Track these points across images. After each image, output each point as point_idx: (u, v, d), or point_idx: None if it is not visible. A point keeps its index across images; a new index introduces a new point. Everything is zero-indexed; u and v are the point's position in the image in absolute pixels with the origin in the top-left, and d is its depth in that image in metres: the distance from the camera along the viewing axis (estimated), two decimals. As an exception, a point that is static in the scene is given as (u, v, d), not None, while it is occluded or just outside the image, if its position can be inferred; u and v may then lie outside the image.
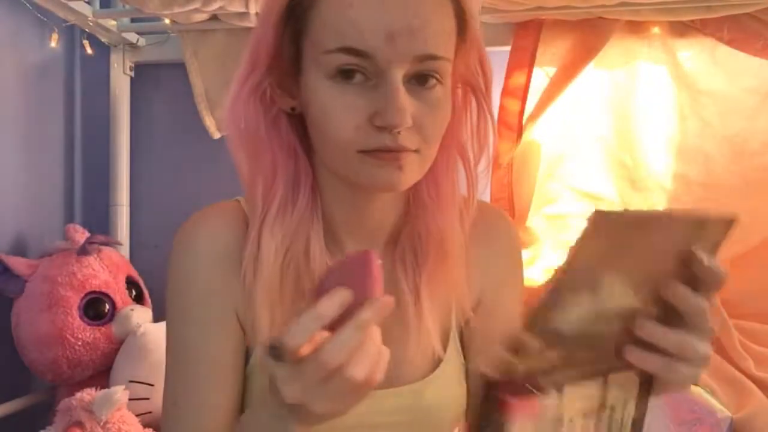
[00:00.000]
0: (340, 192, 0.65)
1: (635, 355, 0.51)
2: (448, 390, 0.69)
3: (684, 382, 0.53)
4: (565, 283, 0.46)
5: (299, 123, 0.64)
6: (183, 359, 0.64)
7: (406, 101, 0.56)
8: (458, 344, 0.72)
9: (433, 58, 0.57)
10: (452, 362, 0.70)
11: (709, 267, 0.50)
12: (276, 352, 0.47)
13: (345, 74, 0.57)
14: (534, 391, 0.49)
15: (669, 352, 0.51)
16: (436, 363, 0.69)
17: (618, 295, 0.49)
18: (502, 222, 0.76)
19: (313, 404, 0.47)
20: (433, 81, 0.58)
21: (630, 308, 0.50)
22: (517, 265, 0.76)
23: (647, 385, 0.55)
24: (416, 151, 0.58)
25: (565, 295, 0.47)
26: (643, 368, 0.52)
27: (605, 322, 0.50)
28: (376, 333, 0.49)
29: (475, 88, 0.65)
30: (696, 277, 0.50)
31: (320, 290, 0.49)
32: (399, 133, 0.56)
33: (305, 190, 0.64)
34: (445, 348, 0.69)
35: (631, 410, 0.55)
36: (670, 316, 0.51)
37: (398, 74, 0.56)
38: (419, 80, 0.58)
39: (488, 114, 0.66)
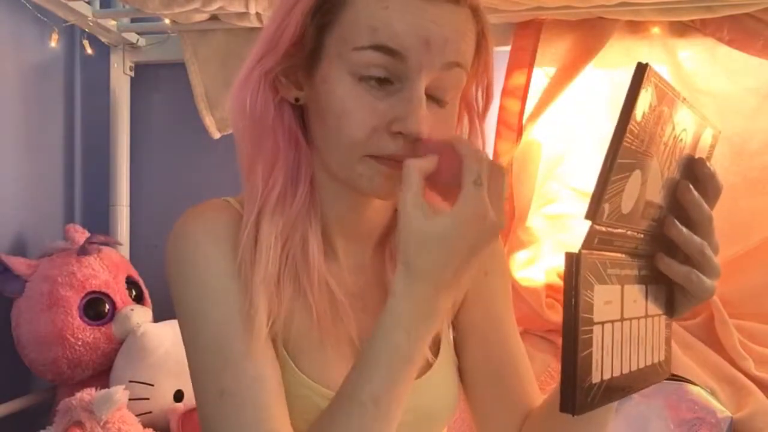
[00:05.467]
0: (337, 191, 0.65)
1: (664, 262, 0.54)
2: (442, 387, 0.70)
3: (701, 295, 0.55)
4: (629, 146, 0.45)
5: (301, 115, 0.64)
6: (220, 342, 0.59)
7: (426, 112, 0.57)
8: (450, 340, 0.73)
9: (458, 65, 0.59)
10: (445, 359, 0.71)
11: (713, 172, 0.53)
12: (480, 180, 0.53)
13: (377, 80, 0.57)
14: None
15: (691, 257, 0.53)
16: (430, 362, 0.69)
17: (654, 184, 0.50)
18: None
19: (501, 214, 0.55)
20: (446, 100, 0.60)
21: (660, 206, 0.52)
22: (500, 255, 0.78)
23: (670, 306, 0.58)
24: None
25: (625, 162, 0.46)
26: (669, 275, 0.54)
27: (649, 211, 0.51)
28: None
29: (471, 110, 0.68)
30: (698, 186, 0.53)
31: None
32: (413, 142, 0.57)
33: (305, 183, 0.63)
34: (438, 346, 0.70)
35: (660, 328, 0.58)
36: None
37: (423, 84, 0.57)
38: (435, 97, 0.59)
39: (479, 133, 0.68)
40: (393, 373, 0.55)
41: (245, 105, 0.62)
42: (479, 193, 0.53)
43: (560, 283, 1.41)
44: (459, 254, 0.54)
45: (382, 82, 0.57)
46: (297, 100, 0.63)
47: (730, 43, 1.31)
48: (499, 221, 0.54)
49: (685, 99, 0.51)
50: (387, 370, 0.54)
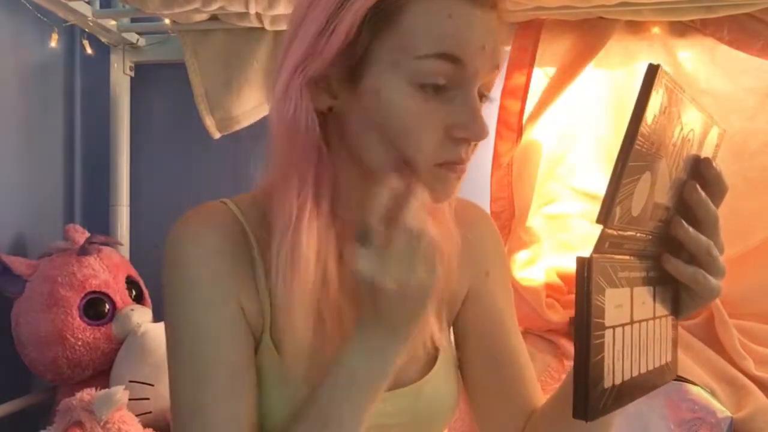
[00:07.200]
0: (354, 196, 0.63)
1: (671, 263, 0.54)
2: (442, 388, 0.70)
3: (707, 295, 0.55)
4: (639, 149, 0.45)
5: (323, 122, 0.62)
6: (199, 360, 0.60)
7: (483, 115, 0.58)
8: (451, 339, 0.73)
9: (498, 68, 0.60)
10: (445, 360, 0.71)
11: (720, 173, 0.54)
12: (365, 236, 0.53)
13: (436, 88, 0.56)
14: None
15: (698, 257, 0.53)
16: (432, 361, 0.69)
17: (662, 185, 0.50)
18: (485, 217, 0.79)
19: (411, 278, 0.53)
20: (487, 96, 0.61)
21: (667, 207, 0.52)
22: (501, 255, 0.78)
23: (676, 306, 0.58)
24: None
25: (636, 165, 0.45)
26: (675, 275, 0.54)
27: (657, 212, 0.51)
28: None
29: None
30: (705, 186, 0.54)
31: None
32: (475, 145, 0.59)
33: (327, 193, 0.61)
34: (437, 346, 0.70)
35: (667, 329, 0.58)
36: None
37: (476, 87, 0.58)
38: (479, 95, 0.60)
39: None
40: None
41: (287, 116, 0.59)
42: (366, 255, 0.54)
43: (560, 282, 1.42)
44: (384, 303, 0.55)
45: (439, 89, 0.56)
46: (330, 108, 0.60)
47: (730, 43, 1.31)
48: (397, 283, 0.53)
49: (693, 98, 0.51)
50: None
